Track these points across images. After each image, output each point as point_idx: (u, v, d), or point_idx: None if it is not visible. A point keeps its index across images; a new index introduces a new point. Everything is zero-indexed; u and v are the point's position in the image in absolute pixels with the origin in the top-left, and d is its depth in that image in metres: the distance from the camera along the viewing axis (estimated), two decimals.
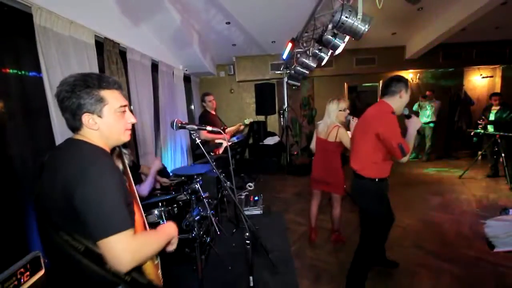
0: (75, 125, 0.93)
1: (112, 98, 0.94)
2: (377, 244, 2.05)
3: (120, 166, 1.26)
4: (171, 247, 1.10)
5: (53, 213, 0.86)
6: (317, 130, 2.81)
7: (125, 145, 1.65)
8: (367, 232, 2.02)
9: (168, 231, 1.05)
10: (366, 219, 2.02)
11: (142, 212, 1.12)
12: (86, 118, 0.90)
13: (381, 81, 6.67)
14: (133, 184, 1.15)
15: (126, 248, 0.81)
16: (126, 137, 1.01)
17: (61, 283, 0.96)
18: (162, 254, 1.11)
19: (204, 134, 3.43)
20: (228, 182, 2.21)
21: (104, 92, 0.92)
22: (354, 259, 2.05)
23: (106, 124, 0.93)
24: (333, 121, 2.61)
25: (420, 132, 5.97)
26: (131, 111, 1.05)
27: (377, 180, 1.91)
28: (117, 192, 0.85)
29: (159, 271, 1.09)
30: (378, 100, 2.04)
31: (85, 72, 0.93)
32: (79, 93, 0.88)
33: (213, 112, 3.86)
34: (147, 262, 0.98)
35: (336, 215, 2.78)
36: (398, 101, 1.88)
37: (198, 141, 1.26)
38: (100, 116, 0.92)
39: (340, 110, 2.59)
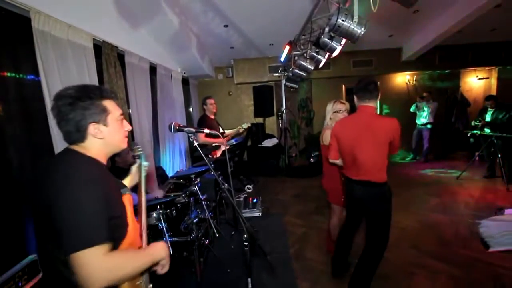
0: (77, 138, 0.93)
1: (112, 107, 0.99)
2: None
3: (136, 179, 1.32)
4: (162, 270, 1.05)
5: (40, 222, 0.87)
6: None
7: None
8: (382, 237, 1.97)
9: (156, 252, 0.99)
10: (381, 224, 1.96)
11: (142, 223, 1.10)
12: (92, 128, 0.93)
13: (378, 83, 6.69)
14: (143, 194, 1.17)
15: (97, 265, 0.77)
16: (125, 144, 1.05)
17: None
18: (154, 276, 1.08)
19: (202, 138, 3.42)
20: (226, 184, 2.22)
21: (105, 102, 0.96)
22: (363, 266, 2.00)
23: (110, 132, 0.97)
24: (327, 122, 2.51)
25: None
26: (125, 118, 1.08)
27: (386, 183, 1.93)
28: (95, 205, 0.82)
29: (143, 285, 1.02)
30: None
31: (81, 84, 0.95)
32: (83, 104, 0.90)
33: (212, 117, 3.87)
34: (125, 283, 0.90)
35: (332, 225, 2.57)
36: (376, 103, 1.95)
37: (196, 143, 1.27)
38: (105, 125, 0.96)
39: (335, 112, 2.43)
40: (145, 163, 1.31)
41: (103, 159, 0.99)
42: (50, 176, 0.86)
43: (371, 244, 1.99)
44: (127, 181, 1.34)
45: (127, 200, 1.04)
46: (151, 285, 1.08)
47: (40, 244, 0.91)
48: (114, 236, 0.90)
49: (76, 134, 0.92)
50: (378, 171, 1.87)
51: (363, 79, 1.97)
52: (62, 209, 0.79)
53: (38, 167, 0.97)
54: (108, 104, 0.97)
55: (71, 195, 0.80)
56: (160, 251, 1.00)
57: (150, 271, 1.06)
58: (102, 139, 0.96)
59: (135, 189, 1.29)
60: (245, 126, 4.06)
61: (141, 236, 1.07)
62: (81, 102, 0.89)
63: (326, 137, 2.38)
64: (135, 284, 0.97)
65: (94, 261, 0.76)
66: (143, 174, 1.26)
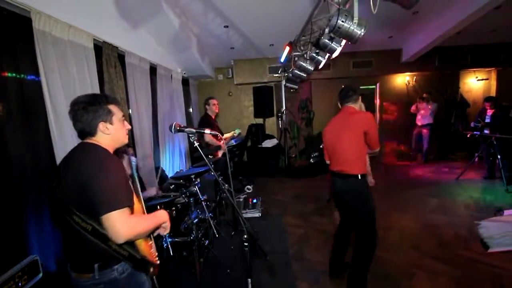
0: (90, 132, 1.17)
1: (116, 110, 1.24)
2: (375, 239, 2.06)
3: (129, 171, 1.63)
4: (165, 231, 1.35)
5: (70, 201, 1.06)
6: None
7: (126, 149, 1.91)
8: (366, 231, 2.04)
9: (160, 215, 1.29)
10: (361, 217, 2.04)
11: (142, 203, 1.39)
12: (102, 125, 1.17)
13: (378, 84, 6.72)
14: (137, 182, 1.46)
15: (123, 223, 1.02)
16: (126, 139, 1.30)
17: (72, 257, 1.15)
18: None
19: (209, 137, 3.45)
20: (226, 185, 2.22)
21: (110, 106, 1.21)
22: (355, 261, 2.05)
23: (116, 129, 1.22)
24: None
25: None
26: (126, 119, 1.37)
27: (362, 175, 2.04)
28: (122, 178, 1.10)
29: (153, 250, 1.30)
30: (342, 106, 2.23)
31: (92, 93, 1.23)
32: (93, 107, 1.15)
33: (213, 117, 3.89)
34: (141, 240, 1.19)
35: (334, 219, 2.78)
36: (359, 104, 2.21)
37: (196, 144, 1.27)
38: (111, 124, 1.20)
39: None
40: (132, 159, 1.61)
41: (111, 150, 1.22)
42: (81, 160, 1.08)
43: (358, 239, 2.07)
44: None
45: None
46: (152, 241, 1.35)
47: (64, 220, 1.09)
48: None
49: (88, 130, 1.16)
50: (354, 161, 2.02)
51: (343, 88, 2.23)
52: (100, 182, 1.02)
53: (64, 159, 1.17)
54: (113, 107, 1.22)
55: (107, 171, 1.06)
56: (163, 215, 1.31)
57: (154, 234, 1.36)
58: (109, 134, 1.20)
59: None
60: (237, 131, 4.07)
61: (143, 211, 1.38)
62: (92, 107, 1.15)
63: None
64: (147, 243, 1.27)
65: (122, 219, 1.02)
66: (134, 168, 1.57)
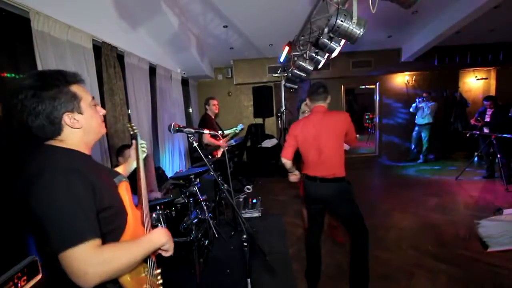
0: (52, 131, 0.84)
1: (83, 92, 0.90)
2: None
3: (133, 163, 1.28)
4: (166, 253, 1.03)
5: (31, 227, 0.81)
6: None
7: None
8: (361, 225, 2.02)
9: (154, 239, 0.94)
10: (357, 215, 2.03)
11: (144, 209, 1.08)
12: (67, 118, 0.84)
13: (377, 84, 6.73)
14: (142, 178, 1.12)
15: (87, 261, 0.73)
16: (103, 129, 0.99)
17: None
18: (161, 260, 1.07)
19: (207, 138, 3.45)
20: (226, 185, 2.22)
21: (72, 87, 0.86)
22: (360, 260, 2.02)
23: (87, 119, 0.89)
24: None
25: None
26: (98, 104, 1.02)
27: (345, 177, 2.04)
28: (75, 198, 0.76)
29: (146, 286, 0.96)
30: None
31: (37, 71, 0.86)
32: (49, 93, 0.80)
33: (213, 117, 3.89)
34: (126, 276, 0.87)
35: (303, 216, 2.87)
36: (327, 103, 2.13)
37: (195, 144, 1.27)
38: (80, 113, 0.87)
39: (302, 112, 2.73)
40: (142, 141, 1.28)
41: (85, 150, 0.92)
42: (23, 175, 0.80)
43: (358, 239, 2.04)
44: (121, 169, 1.29)
45: (124, 188, 1.02)
46: (159, 270, 1.05)
47: (38, 246, 0.86)
48: (112, 227, 0.89)
49: (50, 127, 0.83)
50: (341, 165, 2.02)
51: (314, 84, 2.13)
52: (39, 207, 0.74)
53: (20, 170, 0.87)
54: (77, 89, 0.87)
55: (44, 190, 0.74)
56: (158, 237, 0.95)
57: (150, 259, 1.04)
58: (80, 128, 0.88)
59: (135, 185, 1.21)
60: (239, 128, 4.07)
61: (143, 223, 1.05)
62: (46, 92, 0.80)
63: None
64: (139, 276, 0.93)
65: (83, 257, 0.72)
66: (141, 155, 1.20)
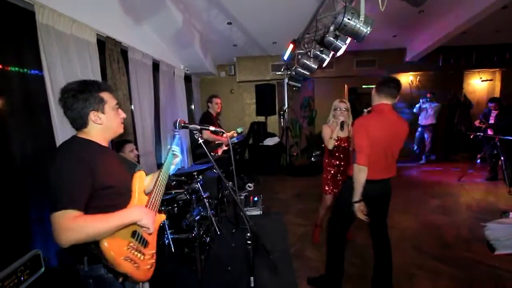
0: (81, 123, 1.12)
1: (109, 98, 1.17)
2: None
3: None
4: (147, 231, 1.15)
5: None
6: None
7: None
8: (385, 228, 2.05)
9: (129, 214, 1.08)
10: (385, 217, 2.05)
11: (153, 197, 1.22)
12: (93, 115, 1.11)
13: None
14: (160, 175, 1.30)
15: (63, 226, 0.93)
16: (121, 128, 1.24)
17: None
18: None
19: (207, 134, 3.44)
20: (230, 183, 2.22)
21: (102, 93, 1.14)
22: (388, 261, 2.07)
23: (108, 118, 1.16)
24: (329, 119, 2.72)
25: None
26: (121, 108, 1.27)
27: None
28: (74, 176, 0.99)
29: (134, 252, 1.08)
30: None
31: (82, 80, 1.14)
32: (84, 96, 1.09)
33: (215, 115, 3.88)
34: (104, 240, 0.99)
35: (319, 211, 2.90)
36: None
37: (201, 141, 1.26)
38: (103, 113, 1.14)
39: (335, 109, 2.63)
40: (175, 147, 1.42)
41: (103, 142, 1.18)
42: (52, 156, 1.05)
43: (385, 239, 2.05)
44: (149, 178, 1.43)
45: (139, 176, 1.26)
46: (153, 251, 1.20)
47: None
48: (114, 203, 1.09)
49: (80, 120, 1.11)
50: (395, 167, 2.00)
51: (388, 77, 1.95)
52: (51, 178, 0.98)
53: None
54: (105, 95, 1.15)
55: (55, 165, 1.00)
56: (133, 213, 1.09)
57: (139, 236, 1.14)
58: (101, 124, 1.14)
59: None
60: (239, 130, 4.06)
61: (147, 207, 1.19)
62: (82, 95, 1.08)
63: (325, 133, 2.64)
64: (120, 247, 1.05)
65: (61, 222, 0.93)
66: (170, 155, 1.39)
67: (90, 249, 1.03)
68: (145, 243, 1.16)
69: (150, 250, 1.18)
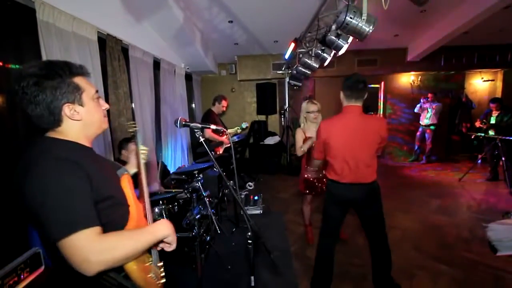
0: (51, 122, 0.84)
1: (86, 84, 0.89)
2: None
3: (134, 166, 1.27)
4: (169, 247, 1.01)
5: (29, 220, 0.81)
6: None
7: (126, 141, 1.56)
8: (383, 231, 1.99)
9: (157, 229, 0.92)
10: (380, 221, 1.98)
11: (146, 204, 1.09)
12: (67, 109, 0.83)
13: (382, 83, 6.67)
14: (143, 178, 1.13)
15: (88, 249, 0.72)
16: (105, 124, 0.98)
17: (60, 280, 0.92)
18: (163, 254, 1.07)
19: (209, 133, 3.44)
20: (231, 181, 2.21)
21: (76, 79, 0.86)
22: (388, 262, 2.03)
23: (88, 112, 0.88)
24: (301, 121, 2.78)
25: None
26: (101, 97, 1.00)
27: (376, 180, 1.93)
28: (70, 189, 0.76)
29: (151, 274, 0.97)
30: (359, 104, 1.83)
31: (45, 60, 0.87)
32: (51, 82, 0.79)
33: (217, 114, 3.89)
34: (131, 263, 0.87)
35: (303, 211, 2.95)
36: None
37: (202, 139, 1.25)
38: (81, 105, 0.86)
39: (308, 112, 2.68)
40: (142, 147, 1.23)
41: (85, 142, 0.91)
42: (19, 165, 0.80)
43: (383, 241, 2.00)
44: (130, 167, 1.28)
45: (126, 180, 1.02)
46: (161, 263, 1.05)
47: (41, 237, 0.84)
48: (113, 218, 0.88)
49: (50, 117, 0.82)
50: (373, 173, 1.86)
51: (352, 75, 1.81)
52: (34, 196, 0.73)
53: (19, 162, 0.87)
54: (80, 81, 0.87)
55: (39, 178, 0.74)
56: (162, 228, 0.94)
57: (157, 250, 1.05)
58: (80, 120, 0.87)
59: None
60: (244, 125, 4.06)
61: (145, 216, 1.06)
62: (49, 81, 0.79)
63: (297, 138, 2.68)
64: (144, 265, 0.94)
65: (84, 244, 0.71)
66: (142, 160, 1.18)
67: (102, 279, 0.81)
68: (157, 257, 1.05)
69: (160, 263, 1.06)
